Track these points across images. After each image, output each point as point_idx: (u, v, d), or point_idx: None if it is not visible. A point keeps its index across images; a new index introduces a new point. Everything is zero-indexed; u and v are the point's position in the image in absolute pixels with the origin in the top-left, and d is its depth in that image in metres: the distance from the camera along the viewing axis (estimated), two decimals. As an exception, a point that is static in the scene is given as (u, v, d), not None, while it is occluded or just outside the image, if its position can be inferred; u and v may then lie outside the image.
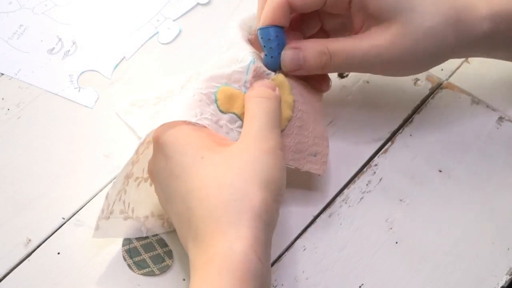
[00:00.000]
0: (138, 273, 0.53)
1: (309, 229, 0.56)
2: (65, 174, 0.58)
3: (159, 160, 0.49)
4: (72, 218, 0.56)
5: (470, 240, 0.55)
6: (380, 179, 0.58)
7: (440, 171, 0.59)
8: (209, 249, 0.45)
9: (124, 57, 0.66)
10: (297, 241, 0.55)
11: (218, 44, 0.65)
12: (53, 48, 0.67)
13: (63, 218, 0.56)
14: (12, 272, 0.53)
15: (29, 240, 0.55)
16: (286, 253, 0.54)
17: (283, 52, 0.53)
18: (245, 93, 0.52)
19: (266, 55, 0.54)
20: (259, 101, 0.51)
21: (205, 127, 0.50)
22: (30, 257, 0.54)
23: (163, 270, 0.53)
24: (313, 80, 0.57)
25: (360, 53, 0.53)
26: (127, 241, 0.54)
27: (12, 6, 0.70)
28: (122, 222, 0.53)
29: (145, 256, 0.54)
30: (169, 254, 0.54)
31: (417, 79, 0.64)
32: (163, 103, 0.61)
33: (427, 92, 0.63)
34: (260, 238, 0.45)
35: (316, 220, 0.56)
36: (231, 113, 0.52)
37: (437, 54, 0.56)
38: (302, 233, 0.56)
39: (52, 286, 0.53)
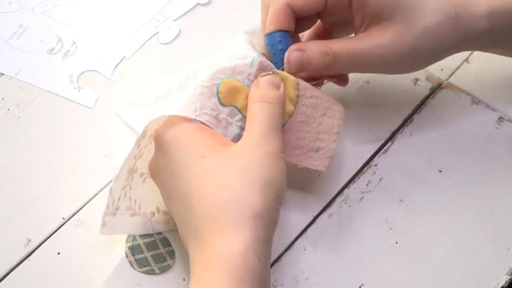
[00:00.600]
0: (139, 271, 0.53)
1: (309, 229, 0.56)
2: (65, 174, 0.58)
3: (160, 159, 0.49)
4: (72, 218, 0.56)
5: (470, 240, 0.55)
6: (380, 179, 0.58)
7: (440, 171, 0.59)
8: (208, 248, 0.45)
9: (124, 57, 0.66)
10: (297, 241, 0.55)
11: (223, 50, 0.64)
12: (53, 48, 0.67)
13: (63, 218, 0.56)
14: (12, 272, 0.53)
15: (29, 240, 0.55)
16: (286, 253, 0.55)
17: (286, 54, 0.53)
18: (248, 86, 0.52)
19: (271, 60, 0.54)
20: (262, 105, 0.51)
21: (206, 125, 0.50)
22: (30, 257, 0.54)
23: (164, 269, 0.53)
24: (331, 76, 0.57)
25: (362, 53, 0.53)
26: (131, 237, 0.54)
27: (12, 6, 0.70)
28: (129, 218, 0.53)
29: (147, 254, 0.54)
30: (172, 254, 0.54)
31: (417, 79, 0.64)
32: (162, 102, 0.61)
33: (427, 92, 0.63)
34: (259, 237, 0.45)
35: (316, 220, 0.56)
36: (232, 106, 0.52)
37: (438, 51, 0.56)
38: (302, 233, 0.56)
39: (52, 286, 0.53)
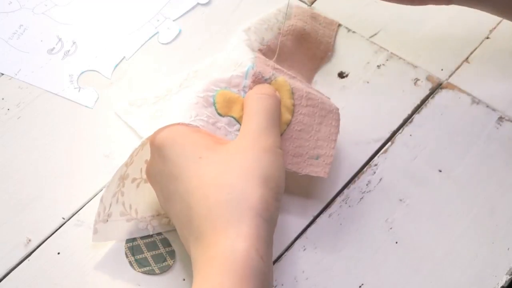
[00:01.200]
0: (139, 271, 0.53)
1: (309, 229, 0.56)
2: (65, 174, 0.58)
3: (157, 162, 0.49)
4: (72, 218, 0.56)
5: (470, 240, 0.55)
6: (380, 179, 0.58)
7: (440, 171, 0.59)
8: (210, 248, 0.45)
9: (124, 57, 0.66)
10: (297, 241, 0.55)
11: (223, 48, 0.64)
12: (53, 48, 0.67)
13: (63, 218, 0.56)
14: (12, 272, 0.53)
15: (29, 240, 0.55)
16: (286, 253, 0.54)
17: None
18: (244, 97, 0.52)
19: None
20: (259, 98, 0.51)
21: (199, 128, 0.50)
22: (30, 257, 0.54)
23: (164, 269, 0.53)
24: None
25: None
26: (131, 238, 0.54)
27: (12, 6, 0.70)
28: (125, 224, 0.54)
29: (147, 254, 0.54)
30: (172, 254, 0.54)
31: (417, 79, 0.64)
32: (162, 101, 0.61)
33: (427, 92, 0.63)
34: (261, 236, 0.45)
35: (316, 220, 0.56)
36: (230, 116, 0.52)
37: None
38: (302, 233, 0.56)
39: (52, 286, 0.53)
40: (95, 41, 0.68)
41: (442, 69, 0.65)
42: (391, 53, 0.66)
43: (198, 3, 0.70)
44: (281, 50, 0.59)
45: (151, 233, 0.55)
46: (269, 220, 0.46)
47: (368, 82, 0.64)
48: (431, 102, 0.63)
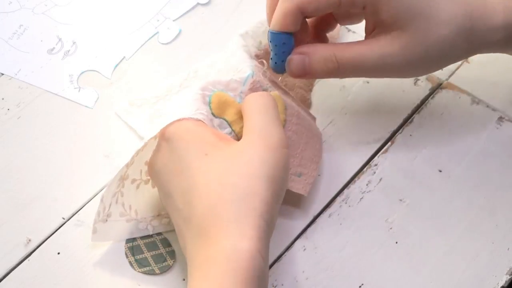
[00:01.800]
0: (139, 271, 0.53)
1: (309, 229, 0.56)
2: (65, 174, 0.58)
3: (162, 156, 0.49)
4: (72, 218, 0.56)
5: (470, 240, 0.55)
6: (380, 179, 0.58)
7: (440, 171, 0.59)
8: (211, 246, 0.45)
9: (124, 57, 0.66)
10: (297, 241, 0.55)
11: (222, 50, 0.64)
12: (53, 48, 0.67)
13: (63, 218, 0.56)
14: (12, 272, 0.53)
15: (29, 240, 0.55)
16: (286, 253, 0.54)
17: (289, 57, 0.53)
18: (239, 102, 0.52)
19: (272, 58, 0.54)
20: (257, 97, 0.51)
21: (204, 122, 0.50)
22: (30, 257, 0.54)
23: (164, 269, 0.53)
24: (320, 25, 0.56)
25: (368, 63, 0.52)
26: (131, 238, 0.54)
27: (12, 6, 0.70)
28: (124, 224, 0.54)
29: (147, 254, 0.54)
30: (172, 254, 0.54)
31: (417, 79, 0.64)
32: (162, 101, 0.61)
33: (427, 92, 0.63)
34: (262, 238, 0.45)
35: (316, 220, 0.56)
36: (222, 118, 0.52)
37: (447, 60, 0.55)
38: (302, 233, 0.56)
39: (52, 286, 0.53)
40: (95, 41, 0.68)
41: (442, 69, 0.65)
42: (391, 53, 0.66)
43: (198, 3, 0.70)
44: None
45: (151, 233, 0.55)
46: (269, 223, 0.46)
47: (368, 82, 0.64)
48: (431, 102, 0.63)
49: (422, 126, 0.61)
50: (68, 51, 0.67)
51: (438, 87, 0.64)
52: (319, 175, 0.57)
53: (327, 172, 0.57)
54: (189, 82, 0.60)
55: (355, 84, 0.64)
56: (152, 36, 0.68)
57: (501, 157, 0.59)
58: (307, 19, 0.55)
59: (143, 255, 0.54)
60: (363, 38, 0.54)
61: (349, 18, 0.58)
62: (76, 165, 0.59)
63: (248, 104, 0.51)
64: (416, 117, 0.62)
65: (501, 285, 0.53)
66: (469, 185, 0.58)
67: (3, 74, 0.65)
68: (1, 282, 0.53)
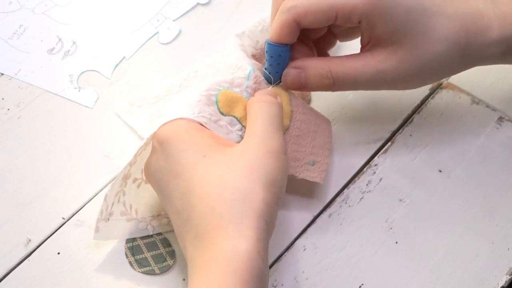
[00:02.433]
0: (139, 271, 0.53)
1: (309, 229, 0.56)
2: (65, 174, 0.58)
3: (158, 158, 0.49)
4: (72, 218, 0.56)
5: (470, 240, 0.55)
6: (380, 179, 0.58)
7: (440, 171, 0.59)
8: (210, 247, 0.45)
9: (124, 57, 0.66)
10: (297, 241, 0.55)
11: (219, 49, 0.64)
12: (53, 48, 0.67)
13: (63, 218, 0.56)
14: (12, 272, 0.53)
15: (29, 240, 0.55)
16: (286, 253, 0.55)
17: (286, 71, 0.53)
18: (246, 98, 0.52)
19: (266, 68, 0.54)
20: (262, 105, 0.51)
21: (204, 126, 0.50)
22: (30, 257, 0.54)
23: (164, 269, 0.53)
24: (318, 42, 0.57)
25: (364, 78, 0.53)
26: (130, 238, 0.54)
27: (12, 6, 0.70)
28: (125, 223, 0.54)
29: (147, 254, 0.54)
30: (172, 254, 0.54)
31: (417, 79, 0.64)
32: (162, 102, 0.61)
33: (427, 92, 0.63)
34: (261, 239, 0.45)
35: (316, 220, 0.56)
36: (231, 116, 0.52)
37: (441, 75, 0.56)
38: (302, 233, 0.56)
39: (52, 286, 0.53)
40: (95, 41, 0.68)
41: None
42: (391, 53, 0.66)
43: (198, 3, 0.70)
44: None
45: (151, 233, 0.55)
46: (268, 224, 0.46)
47: (368, 82, 0.64)
48: (431, 102, 0.63)
49: (422, 126, 0.61)
50: (68, 51, 0.67)
51: (438, 87, 0.64)
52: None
53: (327, 172, 0.57)
54: (189, 82, 0.60)
55: (355, 84, 0.64)
56: (152, 36, 0.68)
57: (501, 157, 0.59)
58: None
59: (143, 255, 0.54)
60: (358, 49, 0.54)
61: (348, 34, 0.58)
62: (76, 165, 0.59)
63: (253, 109, 0.51)
64: (416, 117, 0.62)
65: (501, 285, 0.53)
66: (469, 185, 0.58)
67: (3, 74, 0.65)
68: (1, 282, 0.53)
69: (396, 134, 0.61)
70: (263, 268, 0.44)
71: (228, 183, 0.46)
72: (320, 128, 0.56)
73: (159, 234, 0.55)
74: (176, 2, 0.70)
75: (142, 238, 0.54)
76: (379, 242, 0.55)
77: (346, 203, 0.57)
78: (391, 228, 0.56)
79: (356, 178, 0.58)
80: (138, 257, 0.54)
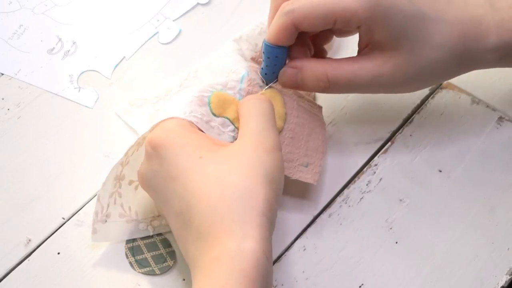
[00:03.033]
0: (139, 272, 0.53)
1: (309, 229, 0.56)
2: (65, 174, 0.58)
3: (152, 164, 0.49)
4: (72, 218, 0.56)
5: (470, 240, 0.55)
6: (380, 179, 0.58)
7: (440, 171, 0.59)
8: (214, 248, 0.44)
9: (124, 57, 0.66)
10: (297, 241, 0.55)
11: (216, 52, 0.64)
12: (53, 48, 0.67)
13: (63, 218, 0.56)
14: (12, 272, 0.53)
15: (29, 240, 0.55)
16: (286, 253, 0.55)
17: (282, 69, 0.53)
18: (239, 100, 0.52)
19: (262, 68, 0.54)
20: (254, 103, 0.51)
21: (195, 125, 0.50)
22: (30, 257, 0.54)
23: (164, 270, 0.53)
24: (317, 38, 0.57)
25: (360, 82, 0.53)
26: (131, 239, 0.54)
27: (12, 6, 0.70)
28: (124, 225, 0.54)
29: (148, 255, 0.54)
30: (172, 254, 0.54)
31: (417, 79, 0.64)
32: (162, 102, 0.61)
33: (427, 92, 0.63)
34: (265, 237, 0.45)
35: (316, 220, 0.56)
36: (224, 117, 0.52)
37: (438, 79, 0.57)
38: (302, 233, 0.56)
39: (52, 286, 0.53)
40: (95, 41, 0.68)
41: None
42: (391, 53, 0.66)
43: (198, 3, 0.70)
44: None
45: (151, 233, 0.55)
46: (271, 221, 0.46)
47: (368, 82, 0.64)
48: (431, 102, 0.63)
49: (422, 126, 0.61)
50: (68, 51, 0.67)
51: (438, 87, 0.64)
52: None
53: (327, 172, 0.57)
54: (189, 82, 0.60)
55: (355, 84, 0.64)
56: (152, 36, 0.68)
57: (501, 157, 0.59)
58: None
59: (143, 256, 0.54)
60: (355, 51, 0.54)
61: (345, 32, 0.58)
62: (76, 165, 0.59)
63: (245, 108, 0.51)
64: (416, 117, 0.62)
65: (501, 285, 0.53)
66: (469, 185, 0.58)
67: (3, 74, 0.65)
68: (1, 282, 0.53)
69: (396, 134, 0.61)
70: (268, 266, 0.44)
71: (228, 182, 0.46)
72: (314, 132, 0.56)
73: (159, 234, 0.55)
74: (176, 2, 0.70)
75: (143, 238, 0.54)
76: (379, 242, 0.55)
77: (346, 203, 0.57)
78: (391, 228, 0.56)
79: (356, 178, 0.58)
80: (138, 257, 0.54)
